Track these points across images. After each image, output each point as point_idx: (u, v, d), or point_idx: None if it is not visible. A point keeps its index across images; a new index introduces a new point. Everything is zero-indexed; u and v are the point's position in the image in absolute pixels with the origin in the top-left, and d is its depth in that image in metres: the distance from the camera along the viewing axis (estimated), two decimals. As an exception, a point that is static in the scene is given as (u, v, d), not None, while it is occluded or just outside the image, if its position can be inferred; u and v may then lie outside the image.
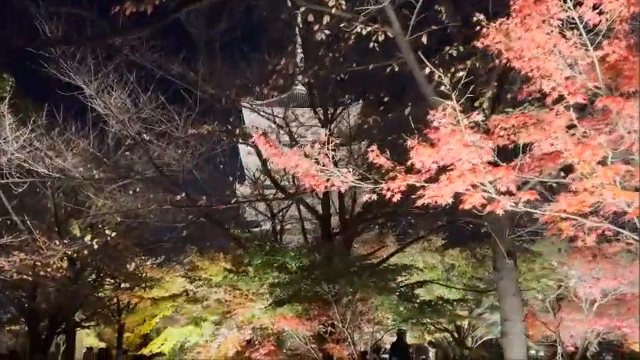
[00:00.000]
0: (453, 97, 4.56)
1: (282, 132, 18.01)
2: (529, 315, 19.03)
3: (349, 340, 11.39)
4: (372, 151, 5.48)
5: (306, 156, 5.23)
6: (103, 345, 33.65)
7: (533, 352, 29.08)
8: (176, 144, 16.02)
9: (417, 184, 5.31)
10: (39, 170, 12.88)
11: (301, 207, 17.78)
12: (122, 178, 13.94)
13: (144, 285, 18.66)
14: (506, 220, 8.34)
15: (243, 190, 26.40)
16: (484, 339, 21.99)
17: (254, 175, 21.23)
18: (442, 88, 4.87)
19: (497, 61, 5.73)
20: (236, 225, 19.45)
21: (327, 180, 5.48)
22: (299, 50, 16.34)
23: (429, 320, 13.15)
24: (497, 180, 4.71)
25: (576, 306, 18.43)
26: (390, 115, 12.59)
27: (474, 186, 4.99)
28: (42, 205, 20.33)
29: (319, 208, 17.26)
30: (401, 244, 17.40)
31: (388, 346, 14.93)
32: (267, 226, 22.75)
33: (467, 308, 15.54)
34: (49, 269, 15.98)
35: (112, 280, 24.78)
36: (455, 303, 13.52)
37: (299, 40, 15.93)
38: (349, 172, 5.32)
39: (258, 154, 14.72)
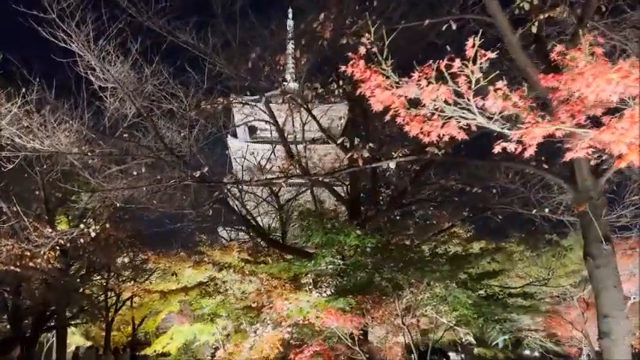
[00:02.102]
0: None
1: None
2: (553, 313, 17.89)
3: (407, 338, 9.99)
4: (498, 89, 4.12)
5: (438, 79, 3.83)
6: (89, 343, 31.99)
7: (527, 352, 28.10)
8: (181, 124, 14.61)
9: (565, 130, 3.97)
10: (30, 145, 11.33)
11: (316, 193, 16.40)
12: (124, 156, 12.43)
13: (144, 277, 17.12)
14: (601, 196, 7.07)
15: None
16: (500, 339, 20.83)
17: (259, 163, 19.77)
18: None
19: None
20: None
21: (443, 125, 4.09)
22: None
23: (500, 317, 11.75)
24: None
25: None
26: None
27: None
28: (29, 192, 18.80)
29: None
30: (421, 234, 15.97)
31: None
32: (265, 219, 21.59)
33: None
34: (38, 260, 14.44)
35: (100, 276, 23.31)
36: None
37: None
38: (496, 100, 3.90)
39: (278, 129, 13.32)
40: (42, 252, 14.16)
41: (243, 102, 13.29)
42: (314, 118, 14.05)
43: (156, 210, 14.52)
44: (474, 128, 4.19)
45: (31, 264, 14.86)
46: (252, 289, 11.54)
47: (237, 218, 15.00)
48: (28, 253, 14.03)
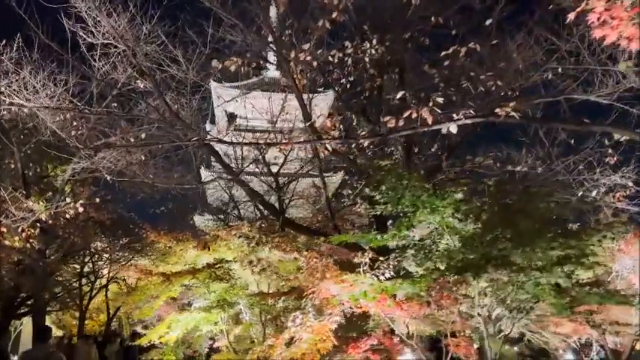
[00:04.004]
0: None
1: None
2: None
3: (483, 332, 8.75)
4: None
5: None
6: (60, 333, 30.22)
7: (506, 346, 27.20)
8: (179, 92, 13.24)
9: None
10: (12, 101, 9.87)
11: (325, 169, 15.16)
12: (123, 115, 11.04)
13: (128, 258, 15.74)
14: None
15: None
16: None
17: (257, 139, 18.46)
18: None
19: None
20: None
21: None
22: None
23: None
24: None
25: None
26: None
27: None
28: (4, 167, 17.15)
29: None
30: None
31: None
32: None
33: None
34: (15, 238, 12.84)
35: (79, 260, 21.79)
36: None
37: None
38: None
39: (298, 96, 12.07)
40: (20, 229, 12.64)
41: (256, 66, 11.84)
42: (332, 87, 12.79)
43: (152, 185, 13.10)
44: None
45: (6, 242, 13.28)
46: (293, 268, 10.14)
47: (251, 194, 13.70)
48: (4, 229, 12.47)
